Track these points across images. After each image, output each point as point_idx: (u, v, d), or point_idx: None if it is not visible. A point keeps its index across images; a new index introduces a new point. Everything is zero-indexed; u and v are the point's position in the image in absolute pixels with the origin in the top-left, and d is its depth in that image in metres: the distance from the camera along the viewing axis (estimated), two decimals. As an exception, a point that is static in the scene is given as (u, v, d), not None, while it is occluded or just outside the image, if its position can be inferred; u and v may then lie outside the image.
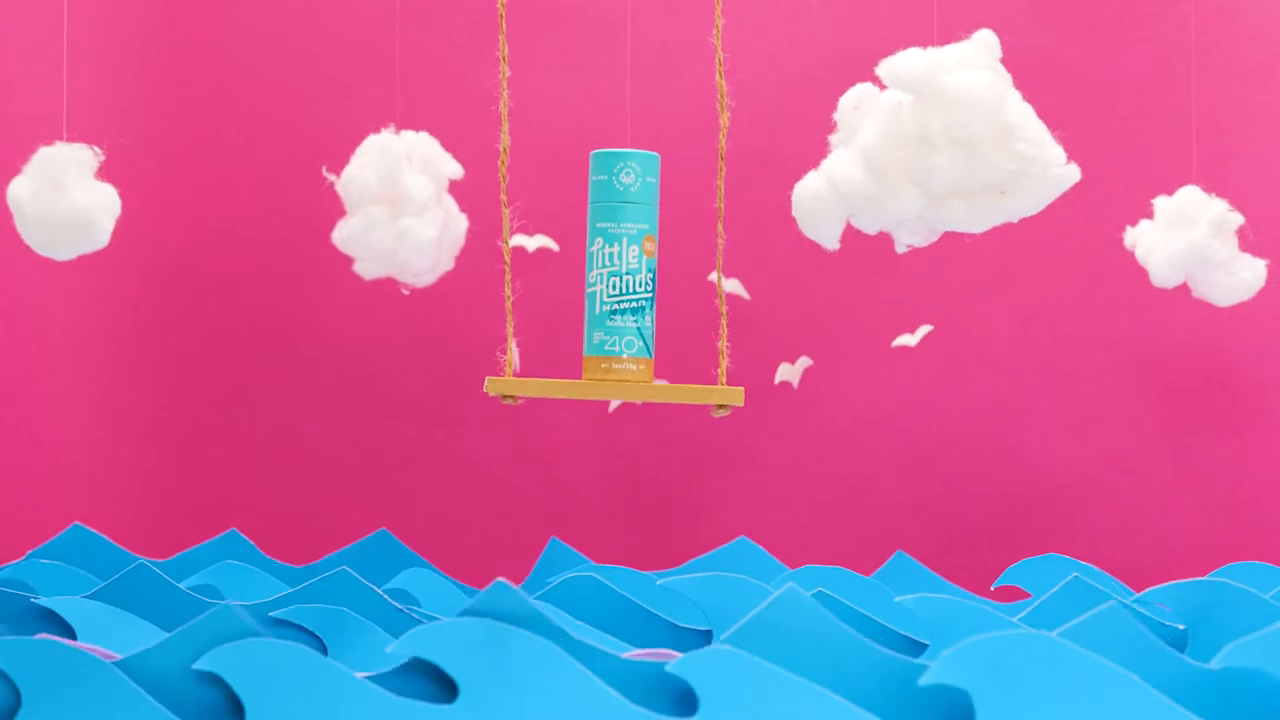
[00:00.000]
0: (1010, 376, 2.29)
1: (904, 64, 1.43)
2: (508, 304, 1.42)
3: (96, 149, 1.69)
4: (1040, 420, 2.28)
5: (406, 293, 2.03)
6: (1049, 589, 1.78)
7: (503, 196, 1.41)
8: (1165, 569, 2.15)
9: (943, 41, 1.45)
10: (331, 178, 1.95)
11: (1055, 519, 2.27)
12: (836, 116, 1.51)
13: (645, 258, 1.40)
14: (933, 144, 1.42)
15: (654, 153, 1.41)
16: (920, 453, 2.29)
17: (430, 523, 2.32)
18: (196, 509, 2.31)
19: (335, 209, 1.96)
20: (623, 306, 1.39)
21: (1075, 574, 1.68)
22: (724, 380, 1.43)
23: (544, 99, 2.26)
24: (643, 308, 1.39)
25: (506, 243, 1.42)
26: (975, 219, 1.46)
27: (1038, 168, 1.42)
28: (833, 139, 1.51)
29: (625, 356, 1.39)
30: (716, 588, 1.67)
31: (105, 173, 1.69)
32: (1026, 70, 1.53)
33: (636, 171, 1.40)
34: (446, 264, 1.97)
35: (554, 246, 2.14)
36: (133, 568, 1.70)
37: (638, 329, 1.39)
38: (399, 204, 1.90)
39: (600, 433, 2.34)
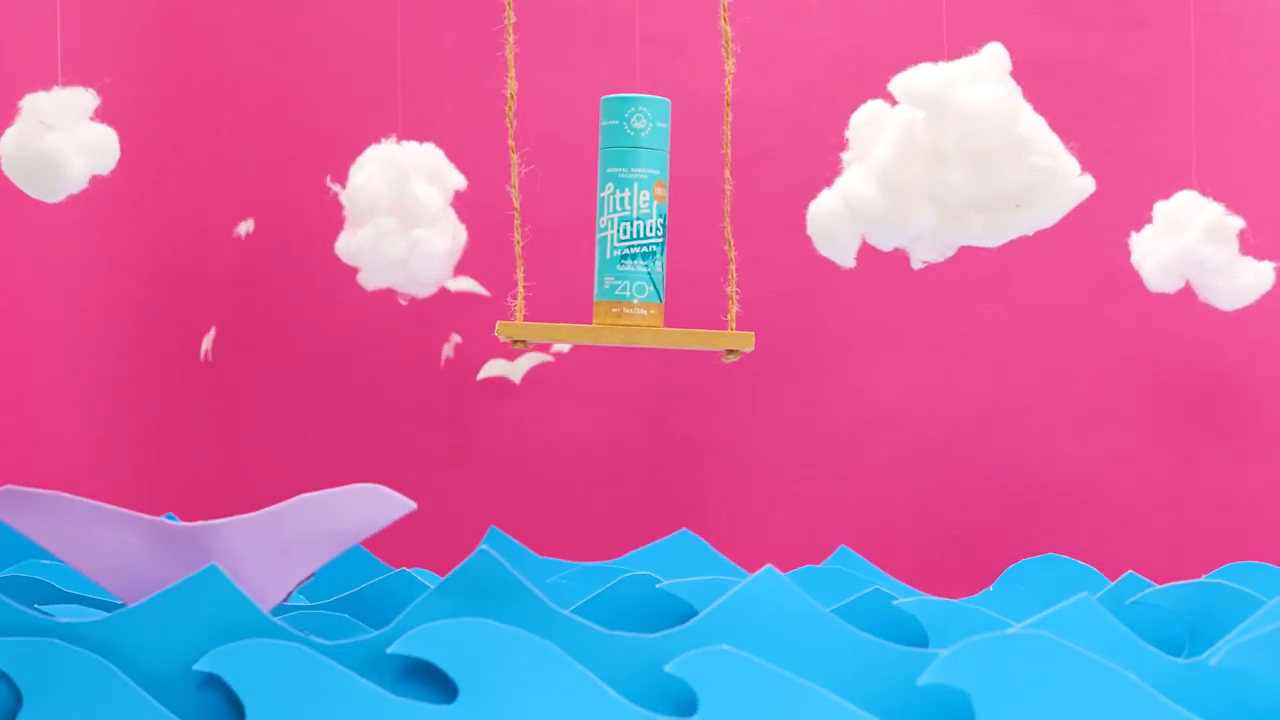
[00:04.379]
0: (1010, 376, 2.29)
1: (917, 80, 1.43)
2: (518, 249, 1.42)
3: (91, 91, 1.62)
4: (1040, 420, 2.28)
5: (404, 303, 2.02)
6: (1049, 589, 1.78)
7: (510, 143, 1.41)
8: (1165, 569, 2.15)
9: (951, 47, 1.45)
10: (336, 188, 1.95)
11: (1055, 519, 2.27)
12: (849, 134, 1.51)
13: (656, 203, 1.39)
14: (948, 159, 1.42)
15: (665, 98, 1.40)
16: (920, 453, 2.29)
17: (430, 524, 2.32)
18: (196, 510, 2.31)
19: (335, 217, 1.95)
20: (634, 251, 1.38)
21: (1076, 575, 1.68)
22: (734, 326, 1.43)
23: (547, 97, 2.26)
24: (653, 253, 1.38)
25: (515, 188, 1.41)
26: (991, 234, 1.45)
27: (1054, 180, 1.42)
28: (845, 156, 1.50)
29: (636, 301, 1.38)
30: (717, 591, 1.67)
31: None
32: (1029, 74, 1.53)
33: (648, 116, 1.39)
34: (449, 274, 1.97)
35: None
36: None
37: (648, 274, 1.38)
38: (409, 215, 1.89)
39: (599, 433, 2.34)
